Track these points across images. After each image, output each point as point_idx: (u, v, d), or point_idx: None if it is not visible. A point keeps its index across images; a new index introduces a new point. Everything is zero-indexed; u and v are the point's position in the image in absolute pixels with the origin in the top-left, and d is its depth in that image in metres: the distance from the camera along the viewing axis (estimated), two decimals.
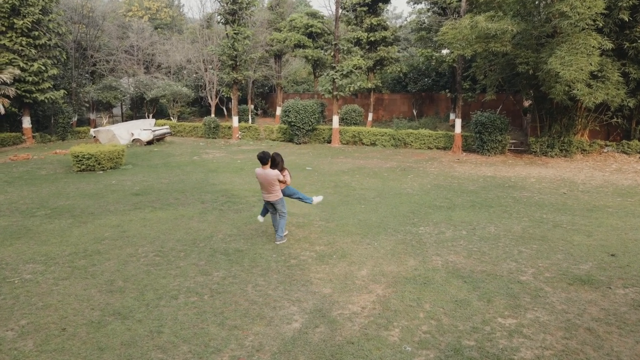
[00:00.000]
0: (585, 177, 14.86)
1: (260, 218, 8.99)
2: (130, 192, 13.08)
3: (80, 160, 16.73)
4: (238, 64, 25.89)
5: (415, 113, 29.48)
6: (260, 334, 5.31)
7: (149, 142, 25.03)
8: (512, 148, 20.60)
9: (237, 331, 5.37)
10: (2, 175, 16.15)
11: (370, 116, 28.39)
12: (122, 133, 24.66)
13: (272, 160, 8.35)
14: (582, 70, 13.94)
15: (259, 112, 38.30)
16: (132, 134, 25.03)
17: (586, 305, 5.89)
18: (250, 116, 31.94)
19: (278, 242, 8.46)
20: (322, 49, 28.68)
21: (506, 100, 23.37)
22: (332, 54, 23.64)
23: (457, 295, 6.19)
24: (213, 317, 5.70)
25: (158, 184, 14.27)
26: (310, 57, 28.69)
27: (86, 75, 32.37)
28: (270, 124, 29.52)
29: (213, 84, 30.77)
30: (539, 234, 8.92)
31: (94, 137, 24.69)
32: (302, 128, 23.74)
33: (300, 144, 24.31)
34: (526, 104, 24.47)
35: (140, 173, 16.36)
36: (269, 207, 8.60)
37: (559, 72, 14.11)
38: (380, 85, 28.14)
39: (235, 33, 24.72)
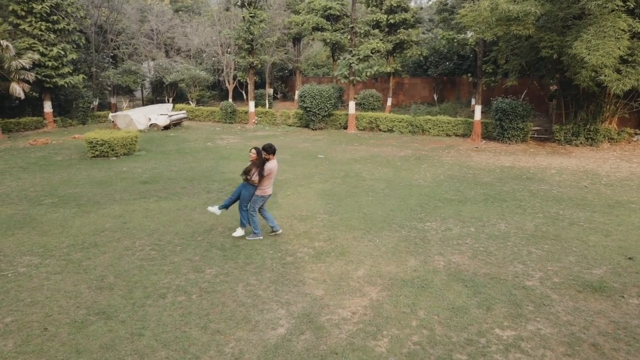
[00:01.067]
0: (610, 169, 14.10)
1: (240, 231, 8.32)
2: (139, 180, 13.05)
3: (94, 147, 16.82)
4: (254, 48, 25.53)
5: (435, 98, 28.64)
6: (243, 339, 5.11)
7: (166, 127, 25.07)
8: (535, 136, 19.76)
9: (219, 336, 5.18)
10: (19, 161, 16.38)
11: (389, 101, 27.73)
12: (139, 118, 24.75)
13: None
14: (609, 55, 13.08)
15: (279, 95, 37.94)
16: (149, 119, 25.11)
17: (594, 317, 5.47)
18: (267, 101, 31.63)
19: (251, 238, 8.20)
20: (340, 32, 27.98)
21: (530, 85, 22.38)
22: (349, 37, 23.00)
23: (455, 302, 5.85)
24: (197, 320, 5.52)
25: (167, 172, 14.21)
26: (328, 41, 28.04)
27: (108, 59, 32.57)
28: (289, 108, 29.19)
29: (230, 68, 30.52)
30: (553, 232, 8.43)
31: (113, 121, 24.87)
32: (318, 114, 23.33)
33: (316, 129, 23.94)
34: (553, 88, 23.42)
35: (152, 160, 16.35)
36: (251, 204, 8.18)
37: (584, 57, 13.29)
38: (400, 69, 27.35)
39: (251, 16, 24.30)
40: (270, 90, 34.82)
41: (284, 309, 5.75)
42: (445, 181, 12.64)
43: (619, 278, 6.50)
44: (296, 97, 31.55)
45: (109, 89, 32.29)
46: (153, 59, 34.84)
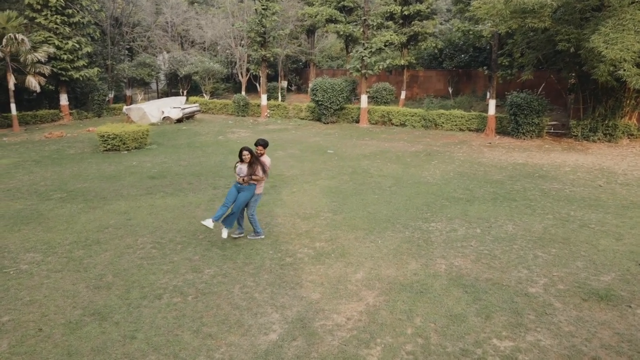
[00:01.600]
0: (627, 166, 13.65)
1: (225, 233, 7.89)
2: (147, 175, 13.10)
3: (105, 140, 16.96)
4: (267, 40, 25.40)
5: (450, 91, 28.16)
6: (234, 345, 5.06)
7: (179, 120, 25.19)
8: (552, 131, 19.26)
9: (210, 341, 5.13)
10: (33, 154, 16.62)
11: (403, 94, 27.34)
12: (152, 111, 24.90)
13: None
14: (628, 49, 12.59)
15: (293, 88, 37.81)
16: (163, 112, 25.24)
17: (598, 328, 5.27)
18: (280, 94, 31.53)
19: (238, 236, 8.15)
20: (354, 24, 27.63)
21: (548, 78, 21.80)
22: (361, 30, 22.68)
23: (454, 309, 5.70)
24: (191, 323, 5.49)
25: (176, 167, 14.24)
26: (341, 33, 27.73)
27: (124, 51, 32.80)
28: (302, 101, 29.07)
29: (243, 60, 30.47)
30: (562, 235, 8.17)
31: (127, 114, 25.07)
32: (330, 107, 23.13)
33: (327, 123, 23.76)
34: (572, 82, 22.78)
35: (162, 154, 16.42)
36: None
37: (602, 51, 12.82)
38: (414, 62, 26.91)
39: (263, 8, 24.15)
40: (284, 83, 34.71)
41: (278, 313, 5.69)
42: (455, 179, 12.40)
43: (628, 286, 6.26)
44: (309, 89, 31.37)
45: (125, 81, 32.59)
46: (168, 52, 34.99)
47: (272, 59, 27.72)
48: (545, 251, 7.47)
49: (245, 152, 7.60)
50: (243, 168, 7.65)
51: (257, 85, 34.92)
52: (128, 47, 33.43)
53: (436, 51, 28.16)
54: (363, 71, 22.31)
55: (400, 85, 28.09)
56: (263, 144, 7.92)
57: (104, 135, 16.95)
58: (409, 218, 9.17)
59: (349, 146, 17.56)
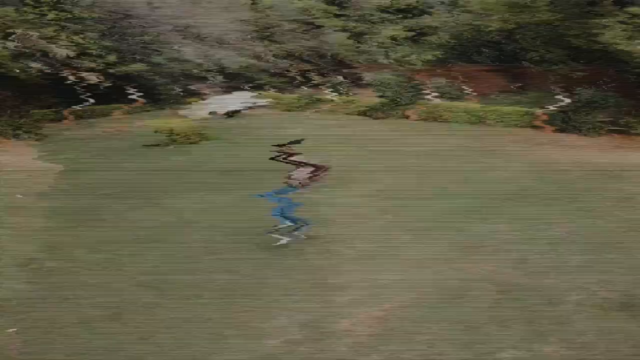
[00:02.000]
0: None
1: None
2: (200, 172, 12.96)
3: (169, 135, 16.96)
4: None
5: (513, 87, 26.65)
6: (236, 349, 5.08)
7: (240, 115, 25.18)
8: (623, 129, 17.63)
9: (222, 343, 5.18)
10: (91, 149, 16.70)
11: (463, 90, 26.16)
12: (216, 106, 25.14)
13: None
14: None
15: (351, 83, 37.44)
16: (227, 107, 25.40)
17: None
18: (340, 88, 31.22)
19: None
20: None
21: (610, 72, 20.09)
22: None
23: (474, 317, 5.48)
24: (205, 324, 5.58)
25: (234, 163, 13.55)
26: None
27: None
28: (361, 96, 28.61)
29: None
30: (616, 240, 7.54)
31: (191, 109, 25.45)
32: (391, 103, 22.86)
33: (379, 119, 23.34)
34: None
35: (217, 150, 16.23)
36: None
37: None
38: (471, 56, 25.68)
39: None
40: (340, 78, 34.40)
41: (294, 317, 5.64)
42: (511, 178, 11.63)
43: None
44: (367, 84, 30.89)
45: (194, 75, 33.16)
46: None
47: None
48: (592, 257, 6.99)
49: (290, 157, 7.66)
50: (301, 171, 7.73)
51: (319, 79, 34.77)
52: None
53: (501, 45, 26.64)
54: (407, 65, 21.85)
55: (454, 80, 26.90)
56: (295, 143, 7.92)
57: (157, 131, 17.29)
58: (456, 219, 8.79)
59: (408, 143, 16.94)
